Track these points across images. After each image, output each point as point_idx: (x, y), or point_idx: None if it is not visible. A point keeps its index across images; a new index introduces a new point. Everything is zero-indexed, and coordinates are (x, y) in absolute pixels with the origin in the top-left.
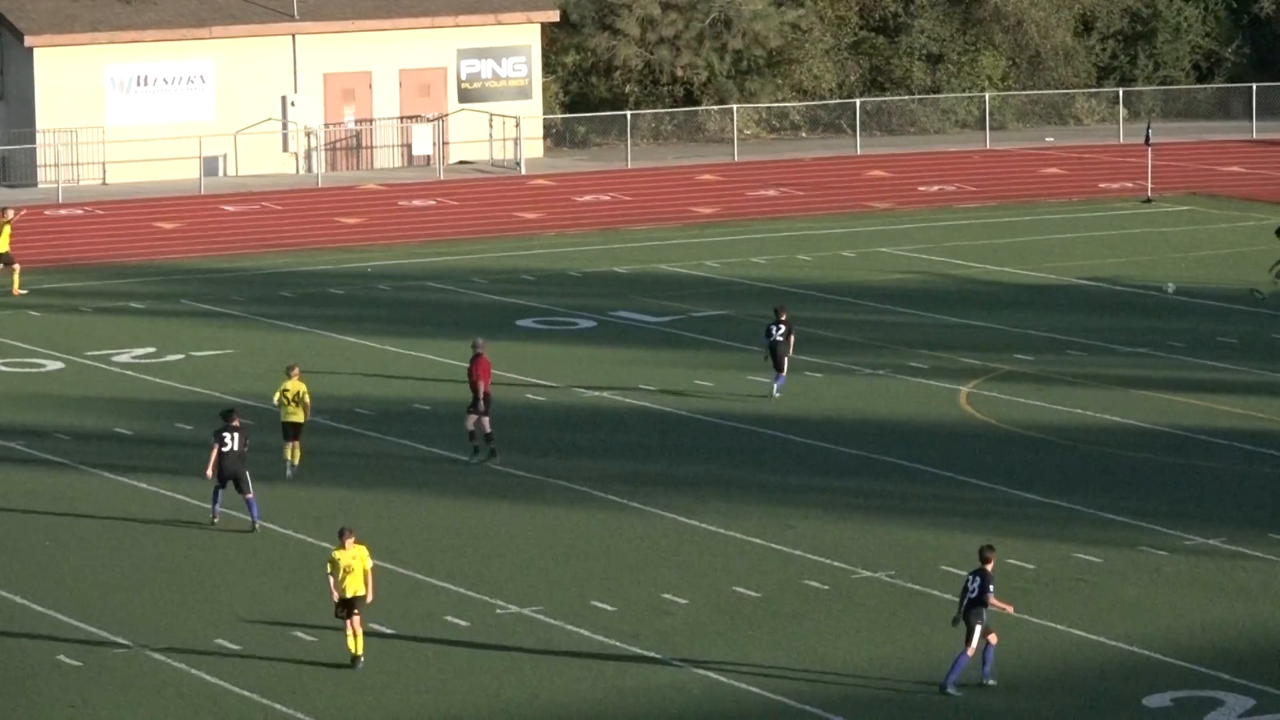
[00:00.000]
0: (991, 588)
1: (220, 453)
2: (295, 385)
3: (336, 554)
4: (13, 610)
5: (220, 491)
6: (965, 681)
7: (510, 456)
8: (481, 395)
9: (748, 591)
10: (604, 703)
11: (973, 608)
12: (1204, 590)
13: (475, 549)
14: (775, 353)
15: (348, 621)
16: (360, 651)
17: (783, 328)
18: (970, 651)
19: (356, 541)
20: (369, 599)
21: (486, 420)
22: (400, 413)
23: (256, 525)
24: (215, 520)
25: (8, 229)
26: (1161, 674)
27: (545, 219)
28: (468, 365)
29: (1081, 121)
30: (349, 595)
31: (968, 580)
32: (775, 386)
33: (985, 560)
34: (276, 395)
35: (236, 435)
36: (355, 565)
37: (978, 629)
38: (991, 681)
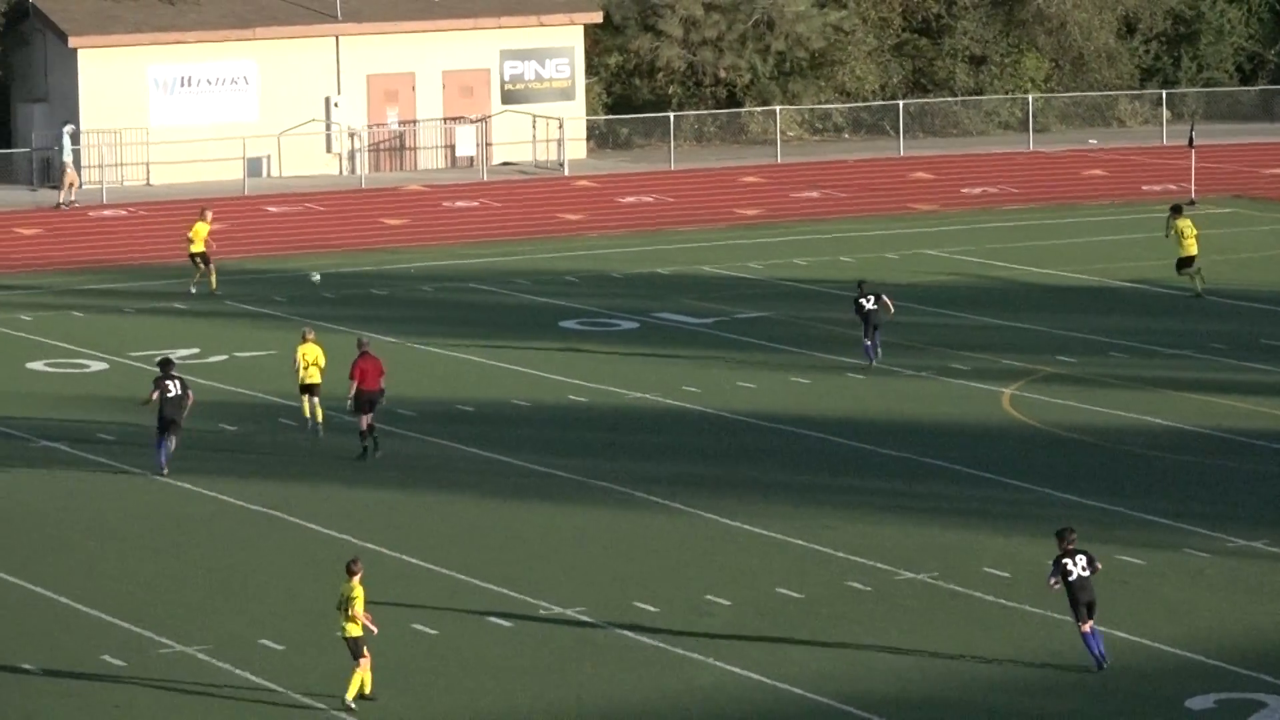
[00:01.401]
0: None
1: (164, 397)
2: (314, 349)
3: (346, 587)
4: (57, 610)
5: (164, 443)
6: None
7: (552, 458)
8: (371, 394)
9: (790, 593)
10: (646, 703)
11: (1085, 585)
12: (1247, 593)
13: (518, 550)
14: (869, 321)
15: (360, 661)
16: (369, 691)
17: (871, 298)
18: (1087, 628)
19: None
20: (375, 631)
21: (369, 417)
22: (443, 414)
23: (165, 471)
24: (164, 472)
25: (205, 228)
26: (1204, 676)
27: (588, 220)
28: (353, 362)
29: (1124, 123)
30: (352, 636)
31: (1064, 563)
32: (873, 355)
33: (1070, 540)
34: (297, 358)
35: (178, 382)
36: (356, 597)
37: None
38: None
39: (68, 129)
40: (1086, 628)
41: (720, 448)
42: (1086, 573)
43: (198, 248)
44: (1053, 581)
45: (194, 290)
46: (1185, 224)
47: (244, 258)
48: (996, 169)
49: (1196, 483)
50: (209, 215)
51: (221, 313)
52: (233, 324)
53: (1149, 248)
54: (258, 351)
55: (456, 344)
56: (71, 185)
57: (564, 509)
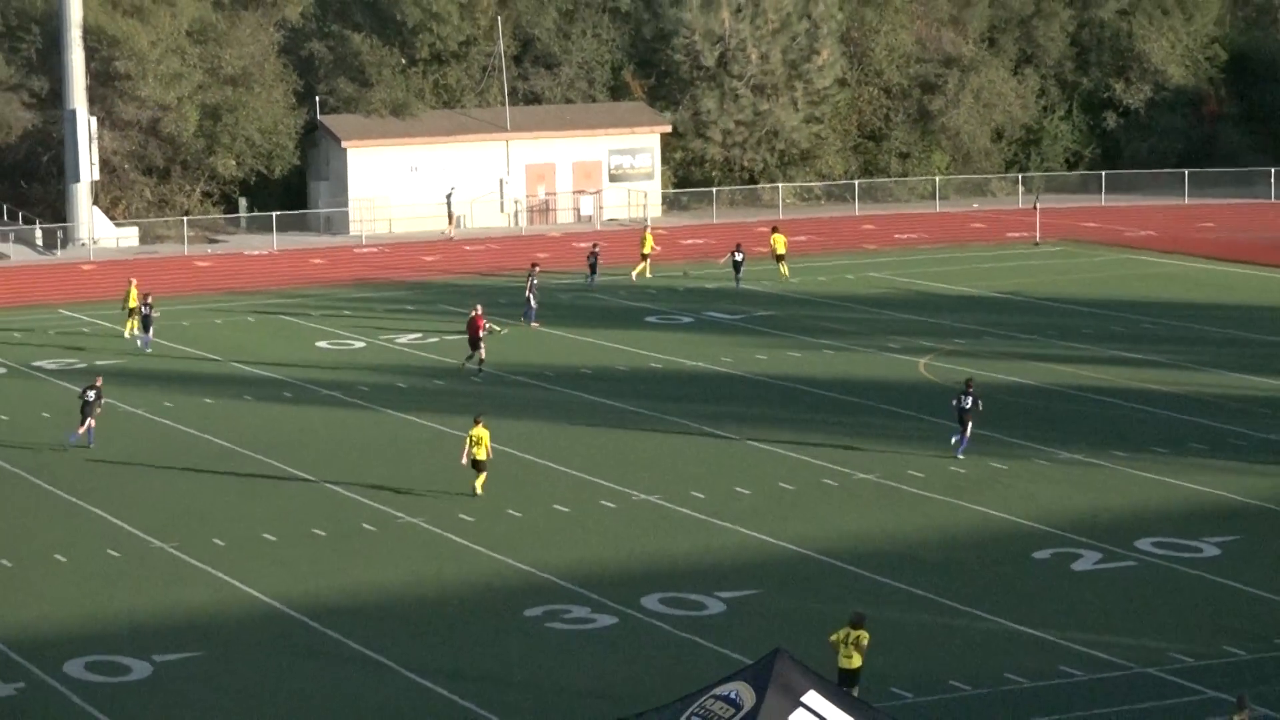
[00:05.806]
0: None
1: (531, 286)
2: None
3: (473, 431)
4: (332, 494)
5: (529, 311)
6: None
7: (640, 402)
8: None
9: (787, 486)
10: (697, 556)
11: (967, 410)
12: (1070, 486)
13: (618, 459)
14: (595, 269)
15: (478, 471)
16: (481, 490)
17: (597, 253)
18: (968, 435)
19: (484, 425)
20: (489, 458)
21: None
22: (570, 375)
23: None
24: (533, 325)
25: (650, 236)
26: (1045, 539)
27: (663, 254)
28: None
29: (995, 195)
30: (479, 458)
31: (960, 398)
32: (591, 281)
33: (970, 386)
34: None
35: (535, 279)
36: (482, 439)
37: (970, 425)
38: (961, 457)
39: (451, 188)
40: (967, 434)
41: (744, 395)
42: (969, 406)
43: (647, 250)
44: (954, 403)
45: (636, 277)
46: (649, 235)
47: (451, 277)
48: (916, 223)
49: (1041, 418)
50: (648, 228)
51: (437, 311)
52: (442, 318)
53: (1011, 271)
54: (458, 335)
55: (580, 330)
56: (454, 226)
57: (646, 434)
